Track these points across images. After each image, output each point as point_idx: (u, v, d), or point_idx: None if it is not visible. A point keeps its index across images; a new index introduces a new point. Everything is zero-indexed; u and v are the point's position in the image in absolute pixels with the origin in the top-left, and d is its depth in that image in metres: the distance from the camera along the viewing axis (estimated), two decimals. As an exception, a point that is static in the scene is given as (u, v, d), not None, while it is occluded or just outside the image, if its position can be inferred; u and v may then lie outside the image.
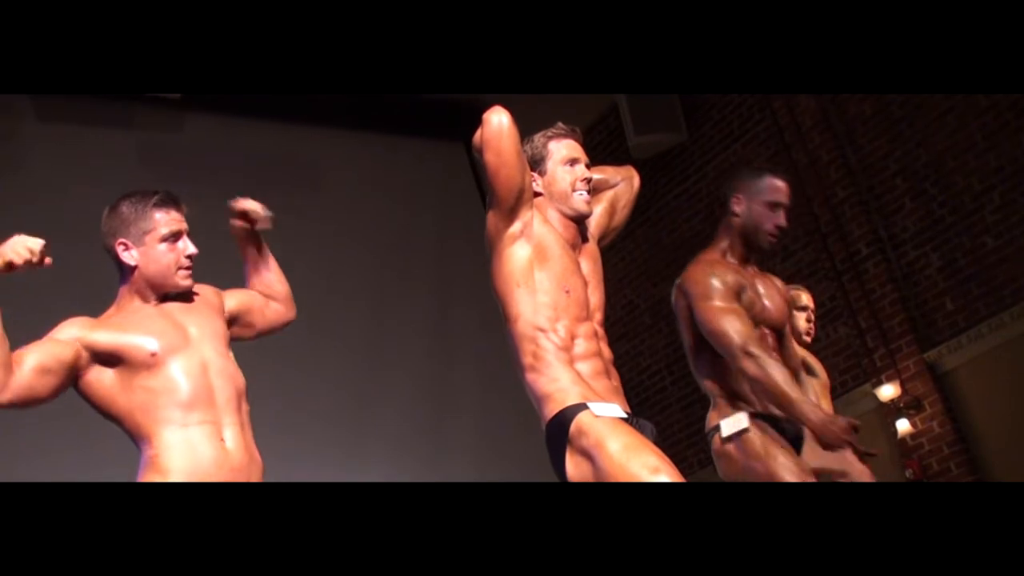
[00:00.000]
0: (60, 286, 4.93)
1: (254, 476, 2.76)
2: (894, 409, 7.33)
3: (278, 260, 3.18)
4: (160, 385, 2.69)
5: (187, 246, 2.84)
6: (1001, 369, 6.94)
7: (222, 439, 2.70)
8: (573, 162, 3.07)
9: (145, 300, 2.83)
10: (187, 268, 2.84)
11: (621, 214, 3.41)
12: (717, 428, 3.61)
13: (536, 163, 3.08)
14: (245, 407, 2.85)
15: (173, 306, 2.85)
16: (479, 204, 8.30)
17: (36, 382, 2.60)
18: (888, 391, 7.41)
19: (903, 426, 7.25)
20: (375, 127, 7.11)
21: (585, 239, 3.11)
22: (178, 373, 2.72)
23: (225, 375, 2.80)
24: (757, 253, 3.84)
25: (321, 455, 5.36)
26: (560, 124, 3.13)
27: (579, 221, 3.08)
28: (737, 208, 3.79)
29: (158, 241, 2.81)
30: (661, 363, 9.09)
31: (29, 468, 4.94)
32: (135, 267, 2.82)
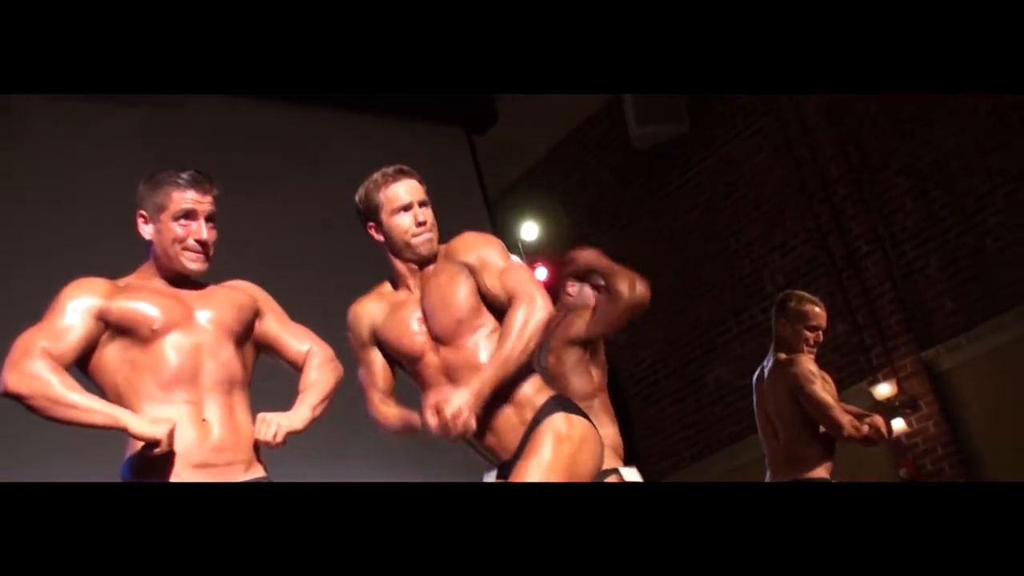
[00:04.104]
0: (58, 259, 4.91)
1: (240, 454, 2.67)
2: (890, 408, 7.32)
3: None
4: (148, 361, 2.63)
5: (200, 229, 2.75)
6: (998, 371, 6.92)
7: (204, 419, 2.62)
8: (406, 208, 3.03)
9: (160, 278, 2.78)
10: (195, 251, 2.75)
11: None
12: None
13: (371, 214, 3.07)
14: (239, 395, 2.75)
15: (186, 291, 2.79)
16: (478, 190, 8.28)
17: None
18: (884, 390, 7.40)
19: (898, 425, 7.25)
20: (376, 108, 7.07)
21: (432, 262, 3.08)
22: (169, 350, 2.65)
23: (218, 360, 2.71)
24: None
25: (307, 450, 5.25)
26: (385, 169, 3.08)
27: (423, 263, 3.07)
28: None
29: (170, 219, 2.74)
30: (657, 355, 9.07)
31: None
32: (151, 242, 2.78)
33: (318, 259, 6.57)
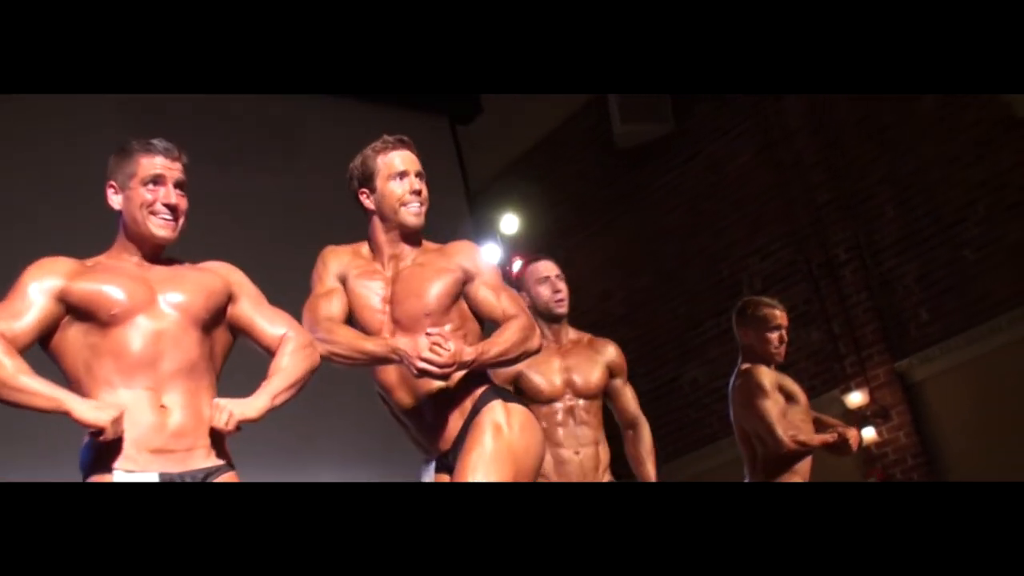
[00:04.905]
0: (31, 240, 4.85)
1: (201, 440, 2.60)
2: (861, 417, 7.32)
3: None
4: (108, 346, 2.59)
5: (169, 194, 2.71)
6: (971, 383, 6.93)
7: (162, 405, 2.57)
8: (401, 176, 3.07)
9: (131, 255, 2.74)
10: (163, 216, 2.71)
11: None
12: None
13: (366, 180, 3.09)
14: (205, 381, 2.68)
15: (156, 271, 2.74)
16: (459, 181, 8.25)
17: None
18: (856, 398, 7.41)
19: (869, 434, 7.24)
20: (360, 94, 7.03)
21: (412, 244, 3.11)
22: (129, 335, 2.60)
23: (181, 347, 2.65)
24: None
25: (273, 447, 5.15)
26: (386, 136, 3.12)
27: (410, 234, 3.09)
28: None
29: (139, 184, 2.71)
30: (632, 355, 9.04)
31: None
32: (120, 212, 2.74)
33: (299, 244, 6.52)
